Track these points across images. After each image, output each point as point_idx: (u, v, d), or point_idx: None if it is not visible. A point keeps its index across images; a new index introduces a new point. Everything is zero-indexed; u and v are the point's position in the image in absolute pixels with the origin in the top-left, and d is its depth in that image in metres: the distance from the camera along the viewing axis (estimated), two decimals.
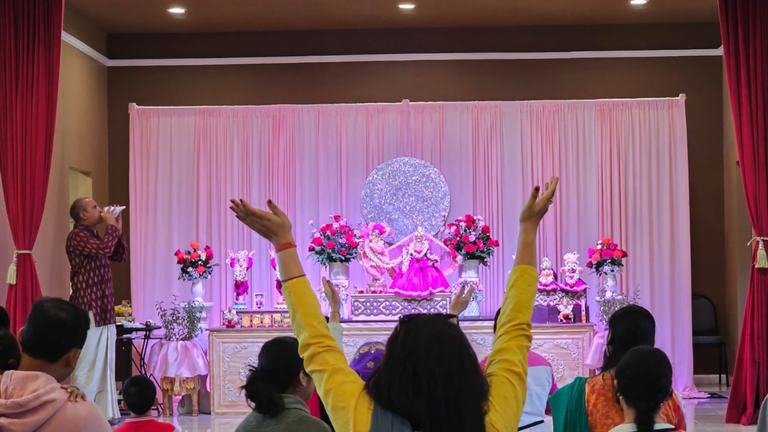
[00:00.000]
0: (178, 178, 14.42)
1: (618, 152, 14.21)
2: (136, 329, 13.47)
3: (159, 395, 12.63)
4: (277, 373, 4.58)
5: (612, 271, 13.14)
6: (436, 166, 14.24)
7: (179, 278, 13.39)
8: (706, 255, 14.61)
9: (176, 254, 13.37)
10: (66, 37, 12.82)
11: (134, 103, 14.50)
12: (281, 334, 4.91)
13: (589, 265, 13.22)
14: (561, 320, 12.79)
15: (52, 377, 3.86)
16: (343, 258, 13.22)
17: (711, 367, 14.59)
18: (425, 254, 13.14)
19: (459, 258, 13.26)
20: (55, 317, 3.93)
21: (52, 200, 12.50)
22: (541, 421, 6.76)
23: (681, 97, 14.18)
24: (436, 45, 14.86)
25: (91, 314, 11.39)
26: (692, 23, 14.60)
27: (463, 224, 13.33)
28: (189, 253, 13.27)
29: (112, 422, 11.04)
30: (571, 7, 13.97)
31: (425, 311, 12.51)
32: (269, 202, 3.66)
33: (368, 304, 12.98)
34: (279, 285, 11.75)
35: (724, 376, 14.50)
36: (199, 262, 13.21)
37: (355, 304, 12.98)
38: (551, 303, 12.95)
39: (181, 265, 13.25)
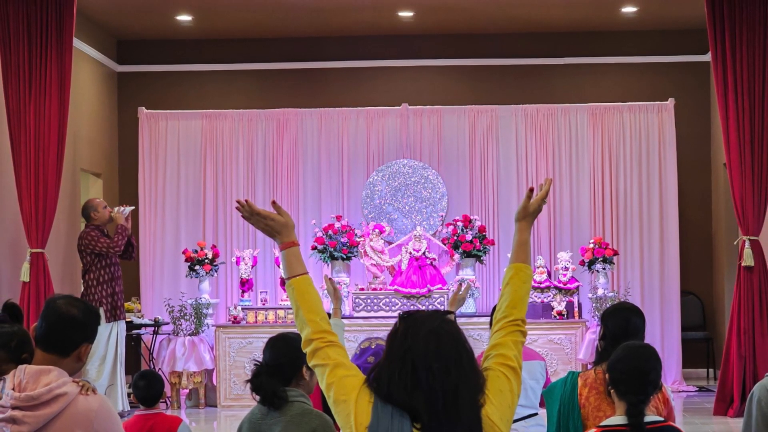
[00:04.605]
0: (186, 180, 14.51)
1: (609, 154, 14.31)
2: (145, 325, 13.57)
3: (167, 389, 12.78)
4: (281, 368, 4.64)
5: (604, 269, 13.25)
6: (435, 167, 14.35)
7: (187, 276, 13.46)
8: (694, 253, 14.70)
9: (184, 253, 13.46)
10: (77, 44, 12.88)
11: (143, 107, 14.60)
12: (285, 330, 4.94)
13: (582, 263, 13.31)
14: (554, 316, 12.88)
15: (64, 371, 3.91)
16: (344, 256, 13.29)
17: (699, 362, 14.66)
18: (424, 253, 13.23)
19: (456, 256, 13.34)
20: (67, 314, 3.96)
21: (64, 201, 12.59)
22: (536, 414, 6.83)
23: (670, 102, 14.28)
24: (435, 51, 14.93)
25: (101, 311, 11.50)
26: (681, 30, 14.67)
27: (460, 224, 13.42)
28: (196, 251, 13.36)
29: (122, 415, 11.13)
30: (564, 14, 14.05)
31: (424, 308, 12.56)
32: (273, 202, 3.69)
33: (369, 300, 13.08)
34: (283, 282, 11.64)
35: (711, 370, 14.56)
36: (206, 261, 13.31)
37: (356, 300, 13.08)
38: (545, 300, 13.03)
39: (189, 263, 13.34)
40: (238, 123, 14.58)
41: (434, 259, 13.40)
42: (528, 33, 14.89)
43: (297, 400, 4.60)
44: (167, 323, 13.45)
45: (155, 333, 13.67)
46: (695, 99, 14.78)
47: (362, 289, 13.37)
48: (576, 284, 13.21)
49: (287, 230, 3.63)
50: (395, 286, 13.16)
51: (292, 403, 4.59)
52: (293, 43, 15.03)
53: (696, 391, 13.82)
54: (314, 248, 13.36)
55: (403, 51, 15.01)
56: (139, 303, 14.21)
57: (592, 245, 13.39)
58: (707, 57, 13.69)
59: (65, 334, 3.96)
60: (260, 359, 4.74)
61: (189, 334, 13.06)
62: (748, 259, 11.82)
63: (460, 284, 7.18)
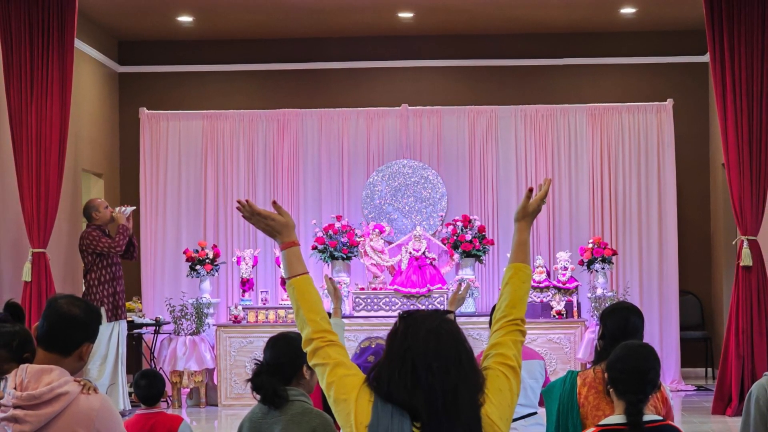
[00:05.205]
0: (187, 180, 14.55)
1: (608, 155, 14.35)
2: (147, 324, 13.58)
3: (168, 388, 12.83)
4: (282, 367, 4.65)
5: (603, 268, 13.28)
6: (434, 168, 14.39)
7: (188, 275, 13.50)
8: (692, 253, 14.72)
9: (185, 252, 13.49)
10: (79, 45, 12.90)
11: (144, 108, 14.66)
12: (285, 330, 4.94)
13: (581, 263, 13.34)
14: (554, 316, 12.89)
15: (66, 371, 3.93)
16: (344, 256, 13.34)
17: (698, 361, 14.71)
18: (423, 253, 13.26)
19: (456, 256, 13.38)
20: (68, 313, 3.98)
21: (66, 201, 12.63)
22: (535, 413, 6.83)
23: (669, 102, 14.32)
24: (434, 52, 14.96)
25: (103, 310, 11.54)
26: (680, 31, 14.69)
27: (459, 224, 13.45)
28: (197, 251, 13.40)
29: (123, 414, 11.12)
30: (563, 15, 14.08)
31: (423, 307, 12.53)
32: (274, 202, 3.68)
33: (369, 300, 13.11)
34: (283, 282, 11.62)
35: (710, 370, 14.60)
36: (207, 260, 13.34)
37: (357, 300, 13.11)
38: (544, 299, 13.05)
39: (190, 263, 13.38)
40: (238, 123, 14.63)
41: (434, 259, 13.43)
42: (527, 34, 14.91)
43: (297, 399, 4.62)
44: (168, 323, 13.49)
45: (156, 332, 13.68)
46: (694, 99, 14.81)
47: (362, 288, 13.40)
48: (575, 284, 13.26)
49: (288, 230, 3.62)
50: (395, 286, 13.19)
51: (293, 402, 4.60)
52: (294, 44, 15.06)
53: (694, 390, 13.85)
54: (314, 248, 13.39)
55: (403, 52, 15.04)
56: (141, 302, 14.23)
57: (591, 245, 13.43)
58: (706, 58, 13.77)
59: (67, 334, 3.98)
60: (261, 358, 4.75)
61: (190, 334, 13.09)
62: (746, 259, 11.85)
63: (460, 284, 7.19)
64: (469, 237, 13.37)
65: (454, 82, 15.08)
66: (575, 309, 13.08)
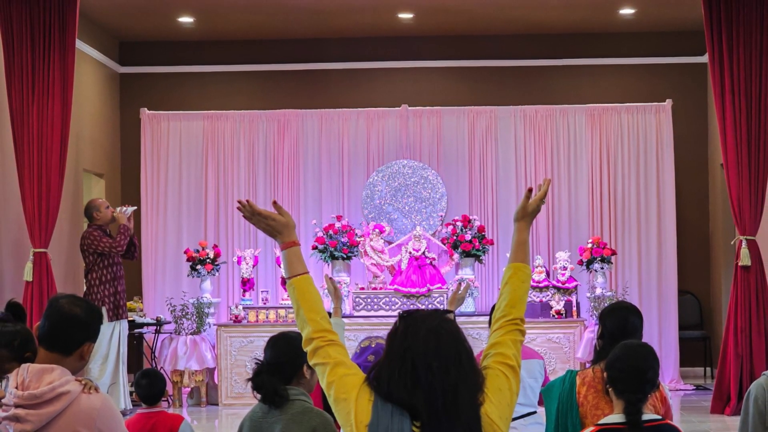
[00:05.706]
0: (188, 180, 14.58)
1: (607, 155, 14.36)
2: (147, 324, 13.57)
3: (169, 387, 12.82)
4: (282, 366, 4.66)
5: (602, 268, 13.29)
6: (434, 168, 14.41)
7: (188, 275, 13.52)
8: (691, 253, 14.73)
9: (185, 252, 13.52)
10: (80, 45, 12.91)
11: (145, 108, 14.69)
12: (286, 329, 4.92)
13: (580, 263, 13.34)
14: (553, 315, 12.91)
15: (67, 370, 3.96)
16: (344, 256, 13.35)
17: (696, 361, 14.72)
18: (423, 252, 13.26)
19: (456, 256, 13.39)
20: (69, 313, 4.01)
21: (67, 201, 12.64)
22: (534, 412, 6.84)
23: (668, 103, 14.35)
24: (434, 53, 14.97)
25: (104, 310, 11.57)
26: (679, 32, 14.71)
27: (459, 224, 13.47)
28: (198, 251, 13.42)
29: (124, 413, 11.09)
30: (563, 16, 14.08)
31: (423, 307, 12.53)
32: (274, 202, 3.68)
33: (369, 300, 13.13)
34: (284, 282, 11.63)
35: (708, 369, 14.61)
36: (208, 260, 13.37)
37: (357, 300, 13.12)
38: (544, 299, 13.06)
39: (190, 263, 13.40)
40: (239, 124, 14.65)
41: (434, 259, 13.44)
42: (527, 34, 14.92)
43: (298, 399, 4.63)
44: (169, 322, 13.51)
45: (157, 332, 13.69)
46: (693, 100, 14.81)
47: (362, 288, 13.41)
48: (574, 283, 13.26)
49: (288, 230, 3.64)
50: (395, 286, 13.20)
51: (293, 402, 4.61)
52: (294, 45, 15.07)
53: (693, 389, 13.87)
54: (315, 248, 13.41)
55: (403, 52, 15.05)
56: (141, 302, 14.26)
57: (590, 245, 13.44)
58: (704, 58, 13.76)
59: (68, 333, 4.01)
60: (261, 358, 4.76)
61: (191, 333, 13.11)
62: (744, 259, 11.85)
63: (460, 284, 7.20)
64: (468, 237, 13.38)
65: (454, 82, 15.09)
66: (574, 309, 13.08)
